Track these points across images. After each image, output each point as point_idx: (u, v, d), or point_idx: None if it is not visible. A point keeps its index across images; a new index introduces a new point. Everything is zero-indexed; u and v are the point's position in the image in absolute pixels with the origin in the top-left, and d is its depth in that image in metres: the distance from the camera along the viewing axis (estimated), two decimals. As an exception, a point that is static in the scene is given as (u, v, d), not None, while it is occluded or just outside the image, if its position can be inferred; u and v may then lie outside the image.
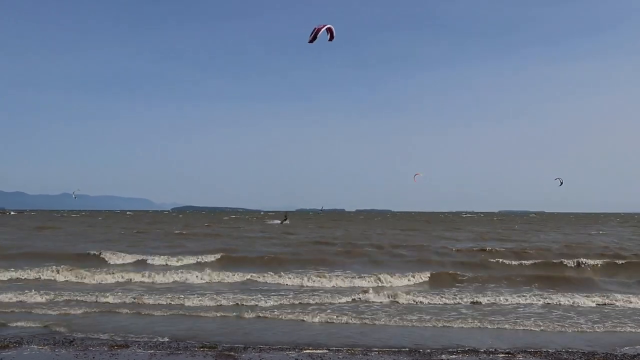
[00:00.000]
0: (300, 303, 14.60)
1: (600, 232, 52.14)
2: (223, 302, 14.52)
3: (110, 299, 14.73)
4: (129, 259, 23.96)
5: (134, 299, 14.84)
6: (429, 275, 19.45)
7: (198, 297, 15.08)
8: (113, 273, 19.24)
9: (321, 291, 16.62)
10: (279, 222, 70.06)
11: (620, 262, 23.59)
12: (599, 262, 23.30)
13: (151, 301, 14.57)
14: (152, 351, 9.41)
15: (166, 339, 10.38)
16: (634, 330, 11.85)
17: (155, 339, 10.38)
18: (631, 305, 14.66)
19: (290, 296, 15.49)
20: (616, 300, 15.08)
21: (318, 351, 9.56)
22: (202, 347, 9.72)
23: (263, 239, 38.80)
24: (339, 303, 14.82)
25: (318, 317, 12.75)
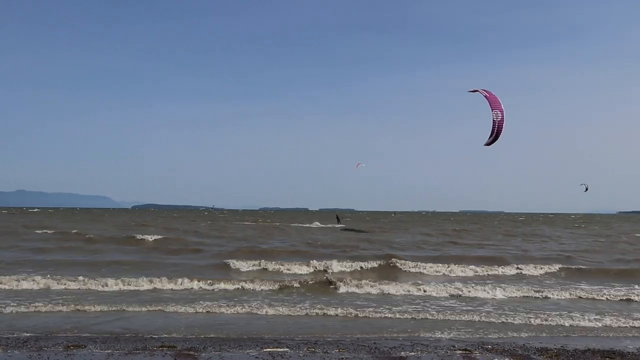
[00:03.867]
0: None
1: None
2: None
3: None
4: None
5: None
6: None
7: None
8: None
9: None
10: (339, 224, 67.05)
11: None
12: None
13: None
14: (109, 351, 9.24)
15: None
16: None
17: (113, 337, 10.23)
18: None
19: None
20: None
21: (279, 349, 9.54)
22: (161, 347, 9.58)
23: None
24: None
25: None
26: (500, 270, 21.48)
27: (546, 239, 42.19)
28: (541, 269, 21.86)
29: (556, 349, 9.89)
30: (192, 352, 9.24)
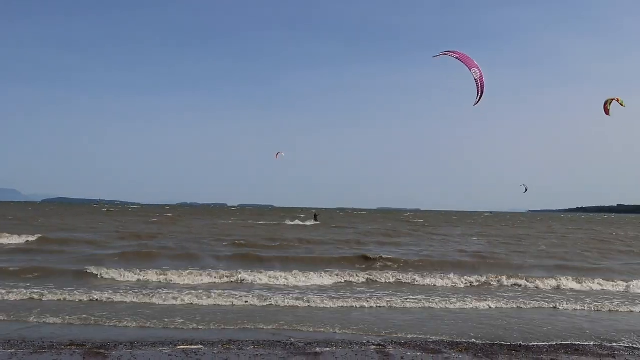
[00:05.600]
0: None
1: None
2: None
3: None
4: None
5: None
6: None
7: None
8: None
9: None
10: (313, 221, 63.18)
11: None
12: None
13: None
14: (13, 350, 8.81)
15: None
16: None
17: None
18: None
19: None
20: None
21: (193, 347, 9.40)
22: (69, 345, 9.23)
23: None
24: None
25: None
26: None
27: (452, 238, 41.28)
28: (430, 275, 19.18)
29: (466, 343, 10.32)
30: (102, 350, 8.97)
